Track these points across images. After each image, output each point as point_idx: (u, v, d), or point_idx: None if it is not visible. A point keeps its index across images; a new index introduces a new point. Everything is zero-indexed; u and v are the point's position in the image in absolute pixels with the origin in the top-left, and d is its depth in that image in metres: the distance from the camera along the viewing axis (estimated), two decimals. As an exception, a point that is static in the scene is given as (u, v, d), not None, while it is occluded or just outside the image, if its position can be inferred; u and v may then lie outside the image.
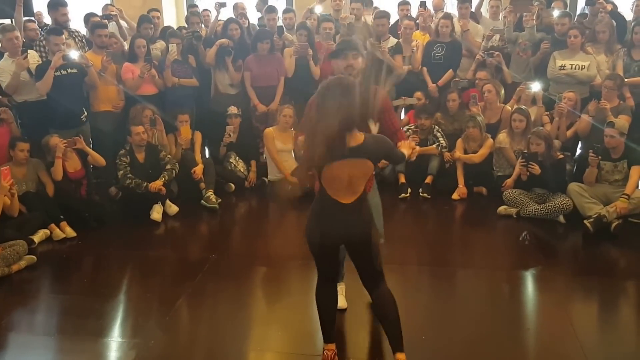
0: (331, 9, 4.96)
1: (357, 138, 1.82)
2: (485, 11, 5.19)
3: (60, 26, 4.06)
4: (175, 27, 5.16)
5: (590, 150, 3.46)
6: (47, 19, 4.60)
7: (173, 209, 3.78)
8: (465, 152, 4.05)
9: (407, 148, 2.08)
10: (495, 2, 4.96)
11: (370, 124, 2.20)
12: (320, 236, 1.95)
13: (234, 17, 4.75)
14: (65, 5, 4.13)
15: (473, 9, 4.94)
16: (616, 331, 2.47)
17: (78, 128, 3.85)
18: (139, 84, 4.04)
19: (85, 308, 2.63)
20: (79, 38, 4.33)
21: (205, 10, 5.27)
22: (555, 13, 4.47)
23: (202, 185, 3.96)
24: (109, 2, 5.97)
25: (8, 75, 3.67)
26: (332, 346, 2.11)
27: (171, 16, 6.82)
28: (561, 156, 3.66)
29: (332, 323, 2.09)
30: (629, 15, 4.76)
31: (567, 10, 4.83)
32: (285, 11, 4.91)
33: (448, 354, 2.26)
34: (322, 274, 2.06)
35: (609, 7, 4.39)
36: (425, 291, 2.81)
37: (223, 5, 4.60)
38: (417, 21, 4.70)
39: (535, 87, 4.02)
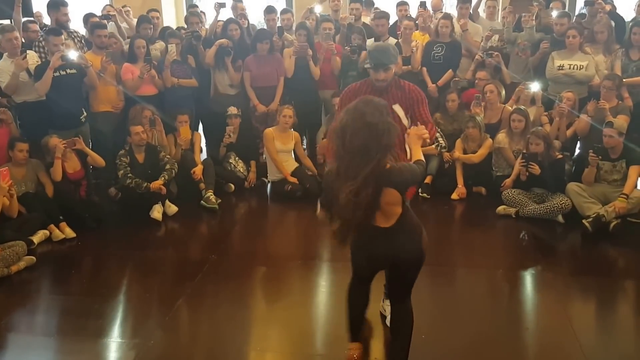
0: (330, 9, 4.96)
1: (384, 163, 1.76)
2: (482, 11, 5.20)
3: (60, 26, 4.05)
4: (174, 28, 5.16)
5: (591, 150, 3.46)
6: (47, 20, 4.60)
7: (172, 209, 3.78)
8: (465, 152, 4.06)
9: (416, 141, 1.93)
10: (492, 3, 4.97)
11: (399, 112, 2.19)
12: (368, 262, 1.90)
13: (233, 17, 4.75)
14: (66, 5, 4.13)
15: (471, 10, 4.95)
16: (615, 330, 2.48)
17: (77, 128, 3.85)
18: (138, 84, 4.04)
19: (84, 309, 2.64)
20: (78, 38, 4.33)
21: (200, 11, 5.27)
22: (554, 13, 4.48)
23: (202, 185, 3.96)
24: (108, 3, 5.97)
25: (7, 75, 3.66)
26: (357, 345, 2.07)
27: (171, 17, 6.82)
28: (560, 156, 3.67)
29: (360, 322, 2.07)
30: (629, 16, 4.78)
31: (566, 10, 4.85)
32: (282, 12, 4.90)
33: (448, 353, 2.26)
34: (358, 277, 2.01)
35: (608, 7, 4.40)
36: (424, 290, 2.79)
37: (222, 5, 4.60)
38: (417, 21, 4.71)
39: (534, 87, 4.03)
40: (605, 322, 2.55)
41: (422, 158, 1.93)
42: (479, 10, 5.16)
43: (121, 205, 3.85)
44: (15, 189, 3.29)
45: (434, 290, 2.81)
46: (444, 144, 4.14)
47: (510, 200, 3.65)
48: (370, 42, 4.32)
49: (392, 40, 4.44)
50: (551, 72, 4.15)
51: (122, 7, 5.08)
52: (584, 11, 4.78)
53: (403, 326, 1.96)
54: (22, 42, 3.91)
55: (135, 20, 4.74)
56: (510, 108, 4.09)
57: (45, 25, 4.52)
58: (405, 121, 2.24)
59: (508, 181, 3.73)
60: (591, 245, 3.23)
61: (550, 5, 4.73)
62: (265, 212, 4.09)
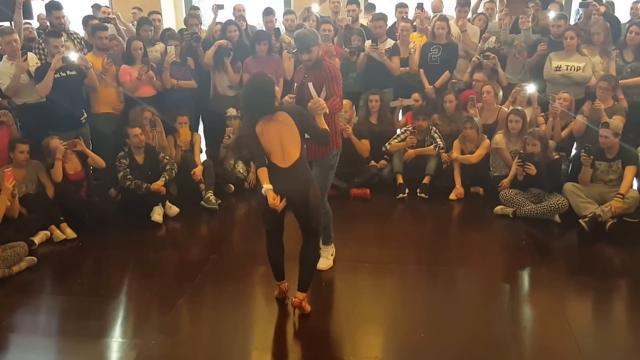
0: (330, 11, 4.99)
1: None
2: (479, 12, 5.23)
3: (57, 29, 4.07)
4: (174, 30, 5.18)
5: (582, 150, 3.50)
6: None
7: (174, 210, 3.80)
8: (462, 153, 4.09)
9: (318, 113, 2.47)
10: (490, 4, 5.01)
11: (311, 89, 2.72)
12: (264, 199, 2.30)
13: (232, 19, 4.77)
14: (59, 8, 4.11)
15: (471, 11, 4.98)
16: (611, 328, 2.51)
17: (77, 130, 3.86)
18: (136, 86, 4.06)
19: (85, 309, 2.66)
20: (78, 40, 4.34)
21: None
22: (551, 15, 4.51)
23: (202, 186, 3.98)
24: (107, 5, 5.99)
25: (8, 77, 3.68)
26: (284, 282, 2.60)
27: (170, 18, 6.84)
28: (557, 156, 3.70)
29: (281, 267, 2.58)
30: (625, 17, 4.81)
31: (562, 12, 4.88)
32: (285, 13, 4.93)
33: (446, 351, 2.29)
34: (269, 233, 2.51)
35: (602, 9, 4.43)
36: (423, 290, 2.83)
37: (220, 7, 4.61)
38: (414, 23, 4.74)
39: (531, 88, 4.06)
40: (602, 321, 2.58)
41: (326, 127, 2.49)
42: (478, 11, 5.19)
43: (122, 206, 3.86)
44: (17, 189, 3.30)
45: (432, 290, 2.84)
46: (441, 145, 4.17)
47: (508, 200, 3.68)
48: (368, 43, 4.35)
49: (390, 42, 4.47)
50: (549, 73, 4.18)
51: (133, 8, 5.12)
52: (579, 13, 4.82)
53: (308, 257, 2.47)
54: (22, 43, 3.92)
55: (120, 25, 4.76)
56: (506, 109, 4.12)
57: (48, 27, 4.53)
58: (316, 97, 2.67)
59: (505, 181, 3.76)
60: (588, 245, 3.26)
61: (548, 7, 4.76)
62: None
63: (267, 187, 2.31)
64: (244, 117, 2.48)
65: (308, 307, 2.48)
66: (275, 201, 2.28)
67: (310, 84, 2.72)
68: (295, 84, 2.83)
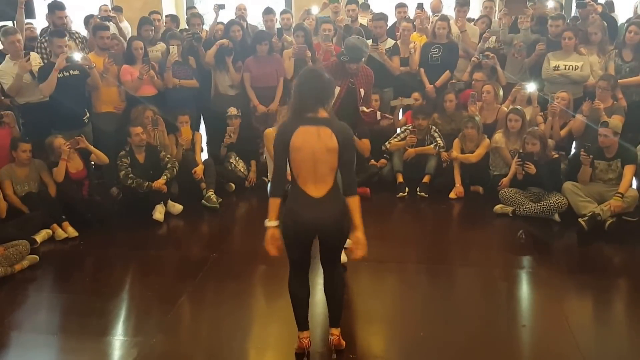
0: (330, 12, 5.01)
1: (323, 113, 2.03)
2: (480, 11, 5.24)
3: (60, 28, 4.08)
4: (175, 29, 5.19)
5: (582, 150, 3.51)
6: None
7: (177, 207, 3.82)
8: (462, 152, 4.10)
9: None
10: (489, 3, 5.03)
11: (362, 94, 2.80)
12: (295, 231, 2.04)
13: (235, 18, 4.78)
14: (62, 8, 4.13)
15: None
16: (610, 327, 2.52)
17: (80, 129, 3.87)
18: (137, 85, 4.07)
19: (87, 307, 2.67)
20: (80, 40, 4.36)
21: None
22: (550, 4, 4.51)
23: (203, 185, 4.00)
24: (107, 4, 6.00)
25: (10, 77, 3.69)
26: (307, 334, 2.21)
27: (171, 18, 6.82)
28: (556, 155, 3.71)
29: (305, 312, 2.21)
30: (625, 16, 4.82)
31: (562, 12, 4.90)
32: (282, 12, 4.95)
33: (445, 349, 2.30)
34: (293, 265, 2.17)
35: (599, 8, 4.44)
36: (423, 288, 2.85)
37: (222, 7, 4.63)
38: (414, 23, 4.76)
39: (530, 87, 4.07)
40: (601, 319, 2.60)
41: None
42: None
43: (123, 205, 3.88)
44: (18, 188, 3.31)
45: (432, 288, 2.85)
46: (441, 144, 4.18)
47: (507, 199, 3.69)
48: (368, 42, 4.35)
49: (390, 42, 4.48)
50: (547, 73, 4.20)
51: (112, 9, 5.11)
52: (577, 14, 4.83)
53: (335, 288, 2.19)
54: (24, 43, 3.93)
55: (125, 23, 4.76)
56: (505, 109, 4.13)
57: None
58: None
59: (505, 180, 3.77)
60: (587, 244, 3.27)
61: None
62: (265, 211, 4.09)
63: (272, 223, 1.99)
64: (288, 117, 2.08)
65: (343, 343, 2.24)
66: (272, 245, 2.01)
67: (362, 90, 2.93)
68: (339, 88, 2.87)
